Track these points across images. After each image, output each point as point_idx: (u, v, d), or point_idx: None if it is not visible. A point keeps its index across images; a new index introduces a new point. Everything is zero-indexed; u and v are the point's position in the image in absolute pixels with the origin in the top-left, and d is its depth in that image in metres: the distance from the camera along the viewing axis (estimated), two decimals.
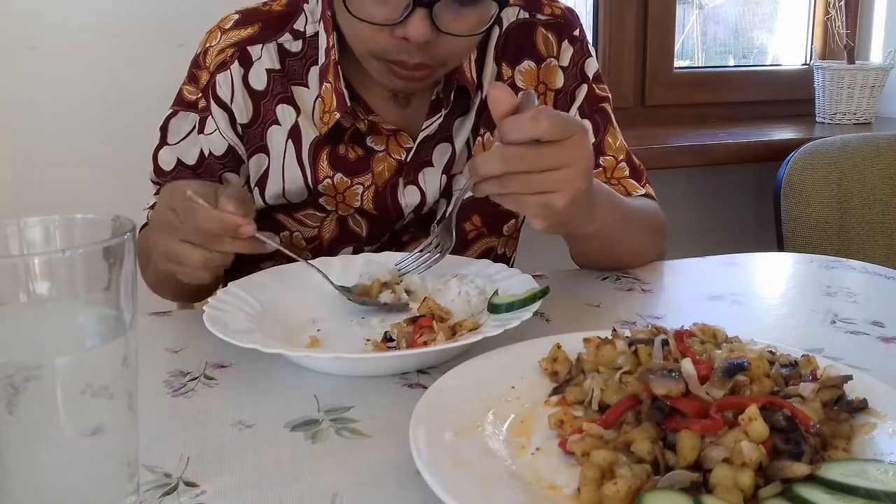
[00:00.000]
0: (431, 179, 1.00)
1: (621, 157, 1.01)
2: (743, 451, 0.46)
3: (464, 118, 0.99)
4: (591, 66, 1.03)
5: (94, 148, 1.57)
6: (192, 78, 0.98)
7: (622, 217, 0.89)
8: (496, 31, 0.99)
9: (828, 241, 1.64)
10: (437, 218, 1.02)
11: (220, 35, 0.97)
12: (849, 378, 0.56)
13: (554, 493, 0.48)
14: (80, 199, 1.50)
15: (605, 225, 0.83)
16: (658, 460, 0.48)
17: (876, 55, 2.16)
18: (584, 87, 1.02)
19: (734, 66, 2.25)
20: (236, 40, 0.96)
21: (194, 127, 0.97)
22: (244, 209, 0.74)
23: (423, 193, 1.00)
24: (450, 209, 0.89)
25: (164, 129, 0.99)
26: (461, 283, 0.80)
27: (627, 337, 0.63)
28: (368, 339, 0.75)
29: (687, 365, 0.53)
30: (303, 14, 0.95)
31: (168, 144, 0.99)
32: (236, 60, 0.95)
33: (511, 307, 0.73)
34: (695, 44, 2.21)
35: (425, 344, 0.69)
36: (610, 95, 1.05)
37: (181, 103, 0.98)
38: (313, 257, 0.88)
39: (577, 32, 1.02)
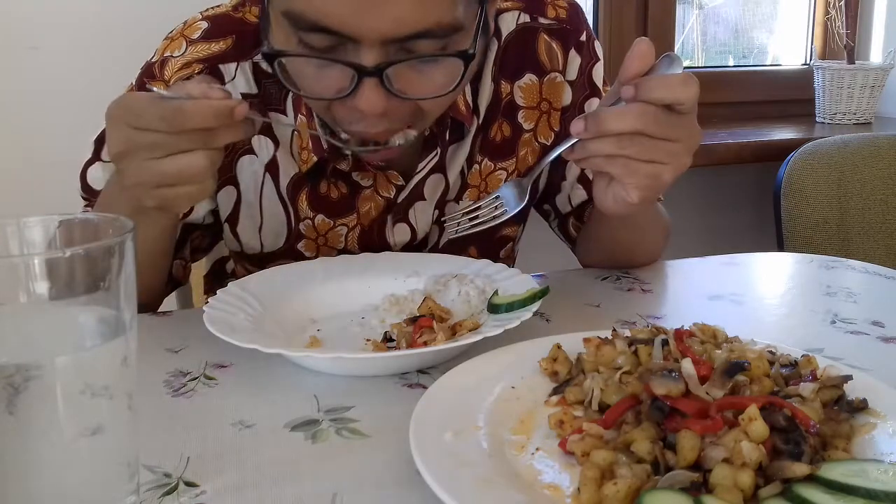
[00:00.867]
0: (423, 215, 0.93)
1: None
2: (743, 451, 0.46)
3: (457, 146, 0.91)
4: (598, 72, 0.96)
5: None
6: (143, 89, 0.84)
7: (656, 207, 0.88)
8: (494, 45, 0.91)
9: (828, 241, 1.64)
10: (429, 247, 0.96)
11: (186, 45, 0.85)
12: (849, 378, 0.56)
13: (554, 493, 0.48)
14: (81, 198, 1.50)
15: (650, 207, 0.81)
16: (658, 460, 0.48)
17: (876, 55, 2.16)
18: (596, 101, 0.95)
19: (734, 66, 2.25)
20: (206, 55, 0.85)
21: None
22: (223, 91, 0.65)
23: (413, 230, 0.93)
24: (536, 169, 0.76)
25: (99, 141, 0.86)
26: (461, 283, 0.80)
27: (627, 337, 0.63)
28: (368, 339, 0.75)
29: (687, 365, 0.53)
30: None
31: (102, 160, 0.86)
32: None
33: (511, 307, 0.73)
34: (695, 44, 2.21)
35: (425, 344, 0.69)
36: None
37: None
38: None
39: (583, 37, 0.94)
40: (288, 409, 0.62)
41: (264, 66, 0.84)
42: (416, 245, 0.95)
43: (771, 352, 0.61)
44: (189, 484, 0.52)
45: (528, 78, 0.93)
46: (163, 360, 0.72)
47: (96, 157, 0.87)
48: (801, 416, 0.50)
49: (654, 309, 0.84)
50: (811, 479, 0.46)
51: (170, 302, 1.07)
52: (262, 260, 0.94)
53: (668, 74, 0.66)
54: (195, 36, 0.86)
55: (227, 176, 0.88)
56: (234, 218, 0.91)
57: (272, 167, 0.88)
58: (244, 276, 0.86)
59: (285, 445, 0.57)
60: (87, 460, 0.45)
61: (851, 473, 0.45)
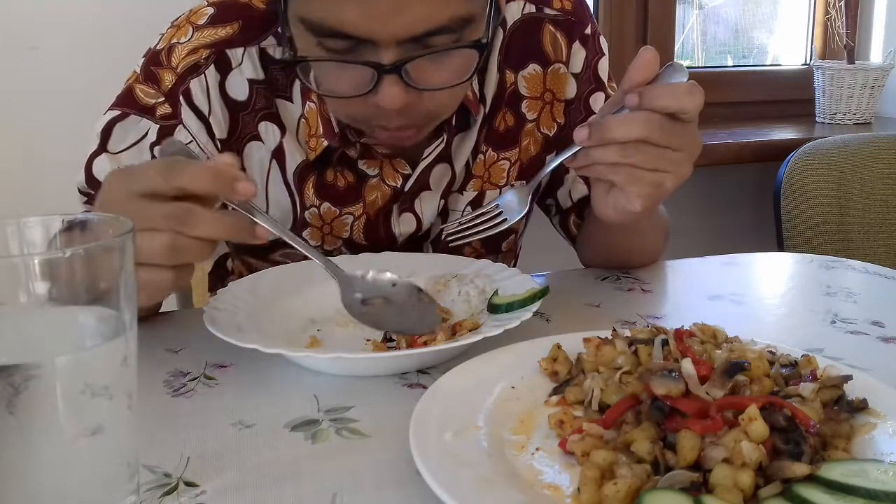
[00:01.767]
0: (429, 205, 0.93)
1: None
2: (743, 451, 0.46)
3: (464, 136, 0.92)
4: (604, 66, 0.95)
5: None
6: (150, 77, 0.84)
7: (658, 211, 0.88)
8: (500, 35, 0.91)
9: (828, 241, 1.64)
10: (431, 238, 0.96)
11: (192, 31, 0.84)
12: (849, 378, 0.56)
13: (554, 493, 0.48)
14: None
15: (652, 215, 0.81)
16: (658, 460, 0.48)
17: (876, 55, 2.16)
18: (601, 95, 0.95)
19: (734, 66, 2.25)
20: (212, 40, 0.84)
21: (145, 136, 0.83)
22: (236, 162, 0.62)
23: (419, 220, 0.93)
24: (538, 177, 0.76)
25: (105, 132, 0.84)
26: (461, 283, 0.80)
27: (627, 337, 0.63)
28: (368, 340, 0.75)
29: (687, 365, 0.53)
30: None
31: (108, 152, 0.84)
32: (212, 65, 0.83)
33: (511, 307, 0.73)
34: (695, 44, 2.21)
35: (425, 344, 0.69)
36: None
37: (132, 105, 0.84)
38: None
39: (588, 30, 0.94)
40: (288, 409, 0.62)
41: (271, 51, 0.85)
42: (420, 236, 0.95)
43: (771, 352, 0.61)
44: (189, 484, 0.52)
45: (533, 68, 0.93)
46: (163, 360, 0.72)
47: (102, 148, 0.84)
48: (801, 416, 0.50)
49: (654, 309, 0.84)
50: (811, 479, 0.46)
51: (170, 302, 1.07)
52: (265, 250, 0.94)
53: (674, 83, 0.66)
54: (201, 21, 0.85)
55: None
56: None
57: (279, 154, 0.88)
58: (245, 273, 0.86)
59: (285, 445, 0.57)
60: (87, 460, 0.45)
61: (851, 473, 0.45)
